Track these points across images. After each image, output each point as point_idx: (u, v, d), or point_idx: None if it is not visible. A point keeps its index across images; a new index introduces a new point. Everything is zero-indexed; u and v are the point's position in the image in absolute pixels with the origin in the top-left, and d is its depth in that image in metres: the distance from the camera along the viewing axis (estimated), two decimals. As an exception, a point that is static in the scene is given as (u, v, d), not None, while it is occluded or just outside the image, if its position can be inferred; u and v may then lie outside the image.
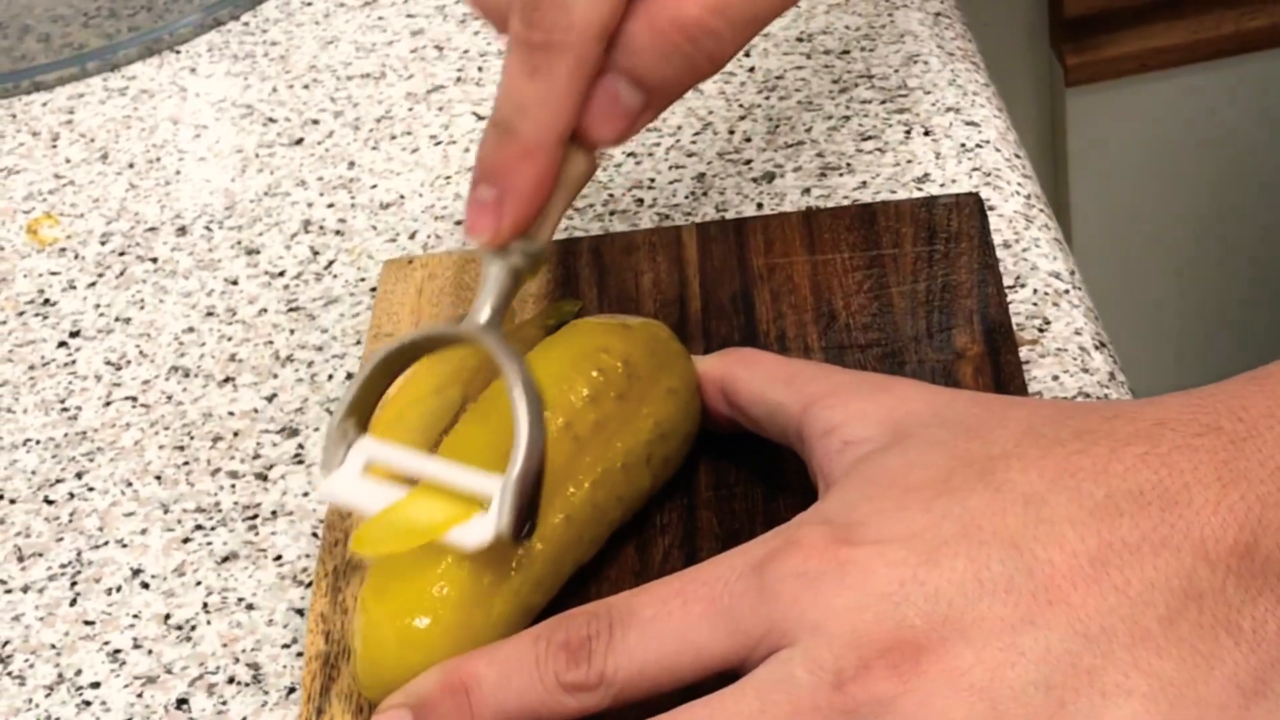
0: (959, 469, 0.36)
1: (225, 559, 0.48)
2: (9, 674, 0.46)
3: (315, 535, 0.48)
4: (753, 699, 0.35)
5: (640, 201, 0.58)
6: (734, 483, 0.45)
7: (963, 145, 0.58)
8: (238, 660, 0.45)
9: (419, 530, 0.40)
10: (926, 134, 0.59)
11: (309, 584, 0.47)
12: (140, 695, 0.45)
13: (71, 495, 0.52)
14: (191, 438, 0.53)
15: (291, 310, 0.57)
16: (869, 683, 0.34)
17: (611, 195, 0.59)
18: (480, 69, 0.68)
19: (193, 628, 0.46)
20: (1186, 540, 0.34)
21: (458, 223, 0.60)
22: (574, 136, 0.41)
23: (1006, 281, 0.51)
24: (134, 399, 0.55)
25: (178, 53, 0.73)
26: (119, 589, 0.48)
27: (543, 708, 0.37)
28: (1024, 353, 0.48)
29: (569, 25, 0.39)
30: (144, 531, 0.50)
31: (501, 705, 0.37)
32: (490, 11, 0.42)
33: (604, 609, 0.37)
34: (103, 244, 0.62)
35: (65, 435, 0.54)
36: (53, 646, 0.47)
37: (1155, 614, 0.33)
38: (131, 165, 0.67)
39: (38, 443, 0.54)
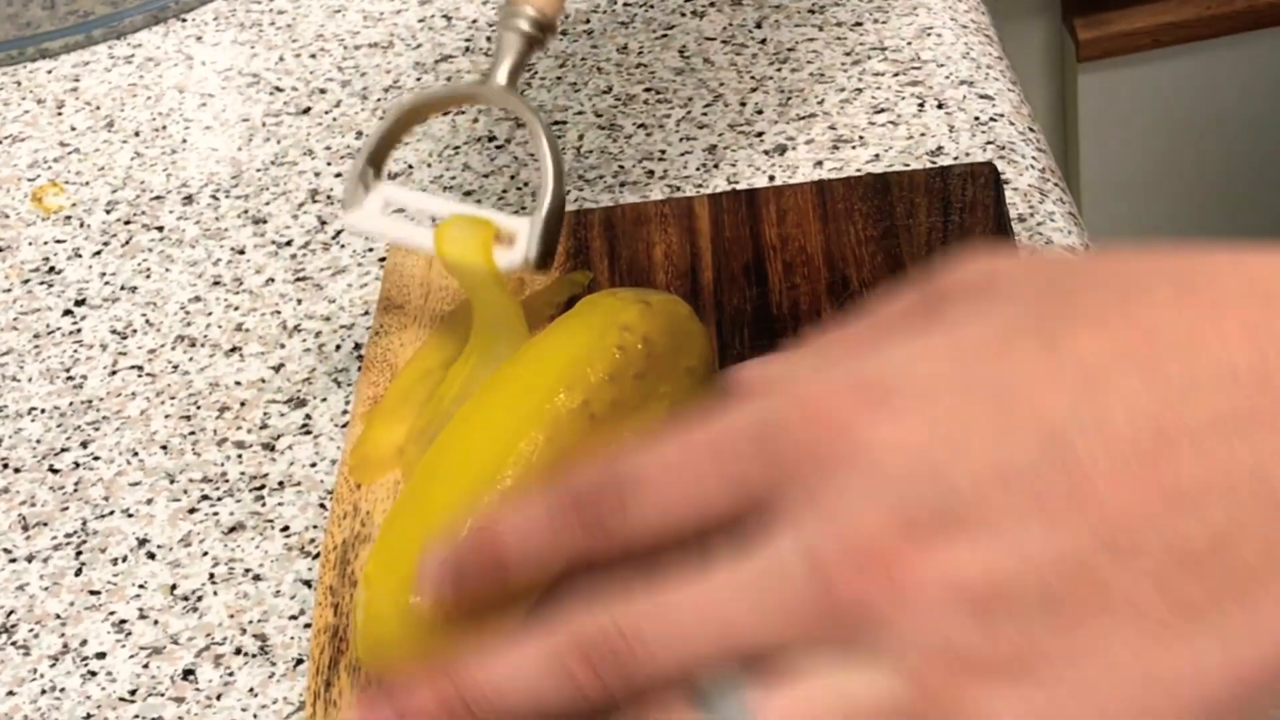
0: (1020, 330, 0.31)
1: (232, 529, 0.48)
2: (14, 644, 0.46)
3: (323, 506, 0.48)
4: (740, 590, 0.31)
5: (651, 173, 0.58)
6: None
7: (976, 119, 0.58)
8: (245, 631, 0.45)
9: (473, 246, 0.46)
10: (940, 107, 0.58)
11: (316, 555, 0.47)
12: (146, 666, 0.45)
13: (77, 464, 0.51)
14: (198, 407, 0.52)
15: (299, 280, 0.57)
16: (859, 586, 0.30)
17: (622, 167, 0.59)
18: (489, 39, 0.68)
19: (199, 598, 0.46)
20: (1274, 429, 0.27)
21: (467, 193, 0.59)
22: None
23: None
24: (140, 368, 0.55)
25: (184, 21, 0.72)
26: (125, 559, 0.48)
27: (559, 562, 0.35)
28: (1039, 327, 0.48)
29: None
30: (150, 501, 0.49)
31: (523, 558, 0.35)
32: None
33: (612, 469, 0.34)
34: (108, 212, 0.62)
35: (70, 404, 0.54)
36: (58, 616, 0.46)
37: (1206, 527, 0.28)
38: (137, 134, 0.66)
39: (43, 411, 0.53)
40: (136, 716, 0.43)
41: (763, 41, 0.64)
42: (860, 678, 0.30)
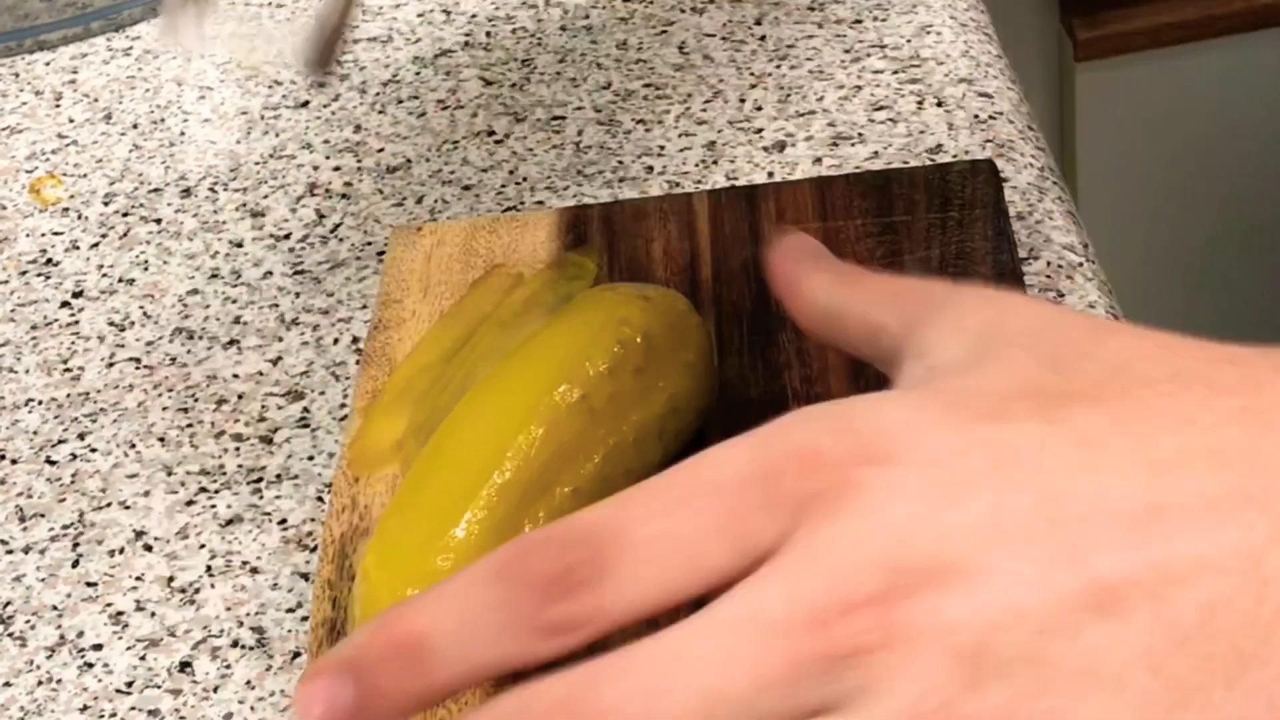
0: (1018, 398, 0.31)
1: (229, 522, 0.48)
2: (10, 635, 0.46)
3: (320, 499, 0.48)
4: (720, 638, 0.30)
5: (650, 169, 0.58)
6: (745, 451, 0.45)
7: (976, 117, 0.58)
8: (242, 624, 0.45)
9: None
10: (939, 105, 0.58)
11: (314, 548, 0.47)
12: (143, 658, 0.44)
13: (74, 456, 0.51)
14: (196, 400, 0.52)
15: (297, 273, 0.57)
16: (849, 629, 0.29)
17: (621, 162, 0.59)
18: (488, 34, 0.68)
19: (196, 590, 0.46)
20: (1265, 515, 0.28)
21: (465, 188, 0.59)
22: None
23: (1020, 254, 0.51)
24: (137, 360, 0.55)
25: (182, 14, 0.72)
26: (121, 551, 0.48)
27: (515, 659, 0.31)
28: (1037, 324, 0.48)
29: None
30: (147, 494, 0.49)
31: (461, 663, 0.31)
32: None
33: (583, 530, 0.31)
34: (106, 204, 0.62)
35: (68, 396, 0.53)
36: (54, 608, 0.46)
37: (1195, 598, 0.28)
38: (135, 126, 0.66)
39: (40, 403, 0.53)
40: (133, 708, 0.43)
41: (762, 38, 0.64)
42: None
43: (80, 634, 0.46)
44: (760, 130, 0.59)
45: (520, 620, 0.30)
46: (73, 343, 0.56)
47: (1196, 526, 0.28)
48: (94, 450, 0.51)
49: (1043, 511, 0.29)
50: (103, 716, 0.43)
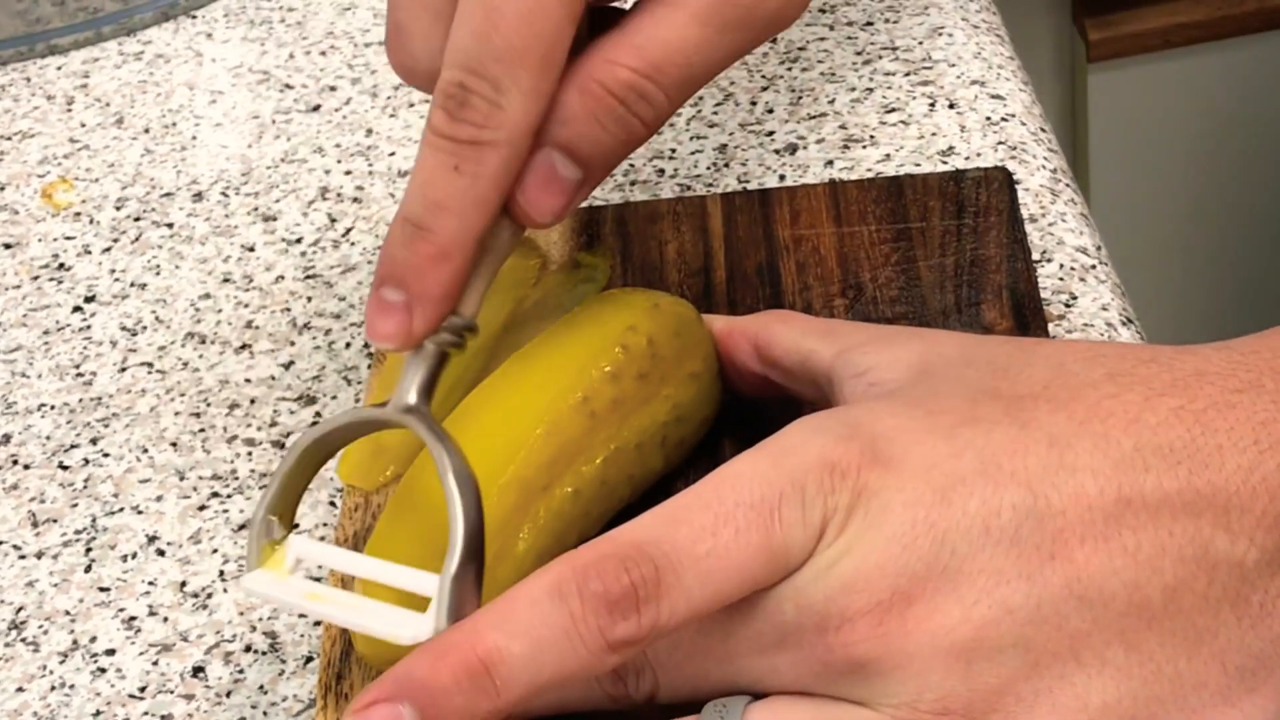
0: (985, 400, 0.34)
1: (242, 527, 0.48)
2: (23, 640, 0.46)
3: (333, 504, 0.48)
4: (741, 632, 0.34)
5: (661, 172, 0.58)
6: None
7: (988, 119, 0.57)
8: (254, 629, 0.45)
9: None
10: (951, 107, 0.58)
11: (326, 553, 0.47)
12: (156, 663, 0.44)
13: (86, 461, 0.51)
14: (208, 404, 0.52)
15: (309, 277, 0.57)
16: (850, 638, 0.32)
17: (632, 165, 0.58)
18: (499, 37, 0.67)
19: (209, 595, 0.46)
20: (1210, 507, 0.32)
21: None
22: (504, 210, 0.39)
23: (1032, 256, 0.51)
24: (150, 365, 0.55)
25: (194, 18, 0.72)
26: (134, 555, 0.48)
27: (585, 672, 0.33)
28: (1050, 328, 0.48)
29: (501, 122, 0.36)
30: (160, 498, 0.49)
31: (534, 681, 0.33)
32: (415, 77, 0.40)
33: (635, 549, 0.33)
34: (118, 209, 0.62)
35: (80, 401, 0.53)
36: (67, 613, 0.46)
37: (1160, 582, 0.32)
38: (147, 130, 0.66)
39: (52, 408, 0.53)
40: (146, 714, 0.43)
41: (773, 40, 0.64)
42: (844, 710, 0.33)
43: (93, 639, 0.46)
44: (771, 133, 0.59)
45: (589, 638, 0.33)
46: (85, 347, 0.56)
47: (1158, 519, 0.32)
48: (106, 455, 0.51)
49: (1027, 508, 0.33)
50: (116, 722, 0.43)
